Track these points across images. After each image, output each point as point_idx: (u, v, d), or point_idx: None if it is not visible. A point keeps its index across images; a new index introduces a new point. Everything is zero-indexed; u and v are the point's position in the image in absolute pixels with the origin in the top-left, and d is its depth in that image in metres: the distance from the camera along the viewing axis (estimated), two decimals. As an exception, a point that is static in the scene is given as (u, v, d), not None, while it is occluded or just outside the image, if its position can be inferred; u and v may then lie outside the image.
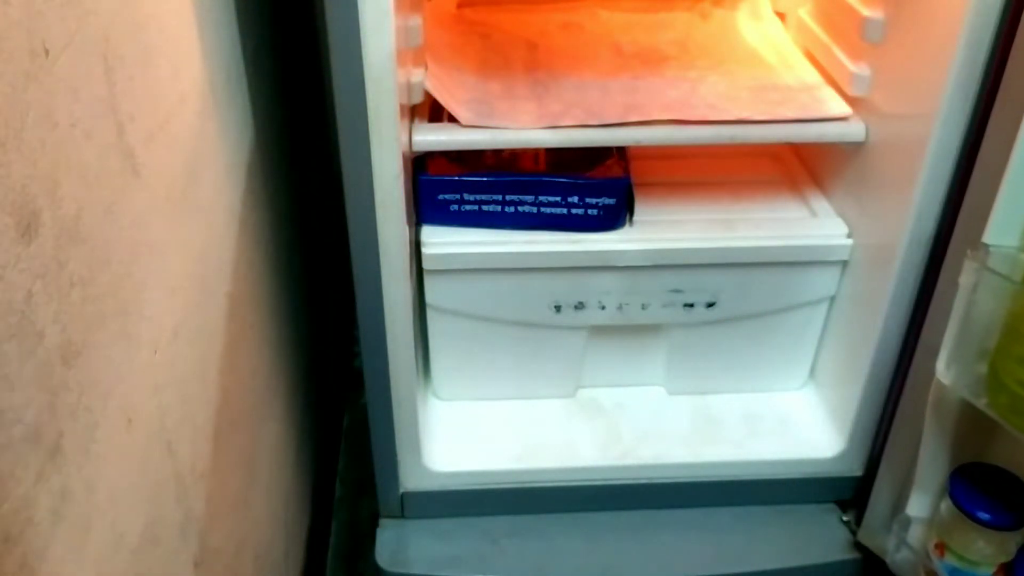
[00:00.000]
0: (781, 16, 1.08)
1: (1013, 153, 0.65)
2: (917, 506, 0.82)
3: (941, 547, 0.80)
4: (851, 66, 0.87)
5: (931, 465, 0.79)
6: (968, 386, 0.71)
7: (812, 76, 0.95)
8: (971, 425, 0.77)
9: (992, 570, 0.78)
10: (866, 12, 0.85)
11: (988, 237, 0.68)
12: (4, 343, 0.36)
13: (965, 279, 0.69)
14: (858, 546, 0.93)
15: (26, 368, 0.38)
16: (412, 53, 0.82)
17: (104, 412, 0.46)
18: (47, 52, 0.40)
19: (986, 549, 0.78)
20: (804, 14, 1.01)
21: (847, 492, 0.98)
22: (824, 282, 0.95)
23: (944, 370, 0.72)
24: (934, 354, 0.75)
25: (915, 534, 0.84)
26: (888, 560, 0.88)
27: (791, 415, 1.02)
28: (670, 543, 0.96)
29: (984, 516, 0.76)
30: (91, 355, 0.45)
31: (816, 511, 0.99)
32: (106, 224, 0.47)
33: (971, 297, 0.69)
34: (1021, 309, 0.68)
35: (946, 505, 0.79)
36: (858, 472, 0.96)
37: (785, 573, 0.95)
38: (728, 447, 0.99)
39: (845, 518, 0.97)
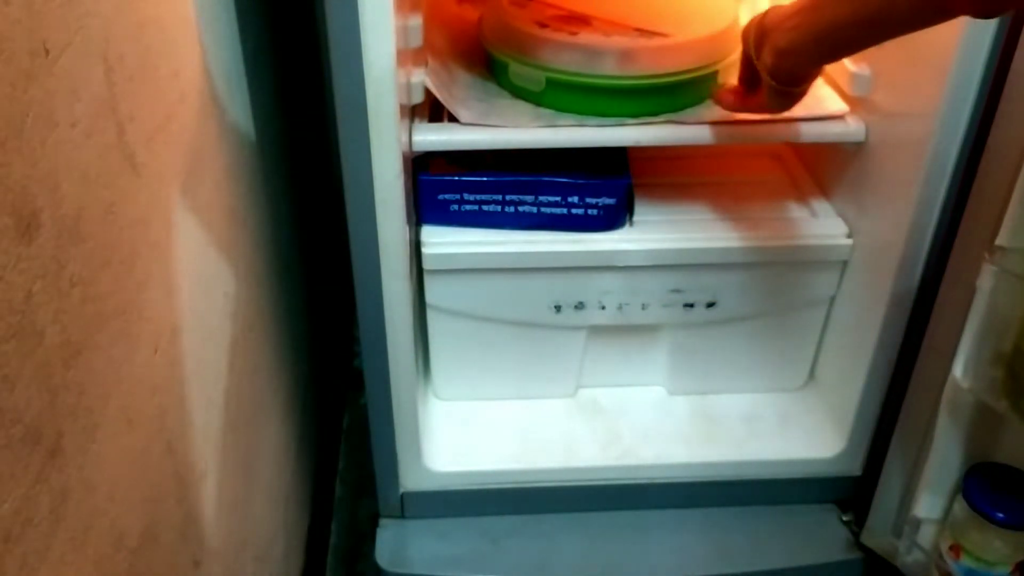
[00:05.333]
0: (781, 16, 1.08)
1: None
2: (927, 507, 0.82)
3: (957, 549, 0.79)
4: (851, 66, 0.87)
5: (942, 466, 0.79)
6: (986, 389, 0.70)
7: (812, 76, 0.95)
8: (982, 425, 0.77)
9: (1008, 569, 0.78)
10: (866, 12, 0.85)
11: (1003, 239, 0.66)
12: (4, 343, 0.36)
13: (982, 282, 0.68)
14: (859, 546, 0.93)
15: (26, 368, 0.38)
16: (412, 53, 0.81)
17: (104, 412, 0.46)
18: (47, 52, 0.40)
19: (1004, 549, 0.77)
20: (804, 14, 1.01)
21: (847, 492, 0.98)
22: (824, 282, 0.95)
23: (962, 374, 0.71)
24: (941, 355, 0.75)
25: (925, 535, 0.83)
26: (899, 562, 0.87)
27: (791, 415, 1.02)
28: (670, 543, 0.96)
29: (1001, 516, 0.76)
30: (91, 355, 0.45)
31: (816, 511, 0.99)
32: (106, 224, 0.47)
33: (989, 300, 0.68)
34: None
35: (960, 506, 0.79)
36: (858, 472, 0.96)
37: (785, 573, 0.95)
38: (728, 447, 0.99)
39: (845, 518, 0.97)
